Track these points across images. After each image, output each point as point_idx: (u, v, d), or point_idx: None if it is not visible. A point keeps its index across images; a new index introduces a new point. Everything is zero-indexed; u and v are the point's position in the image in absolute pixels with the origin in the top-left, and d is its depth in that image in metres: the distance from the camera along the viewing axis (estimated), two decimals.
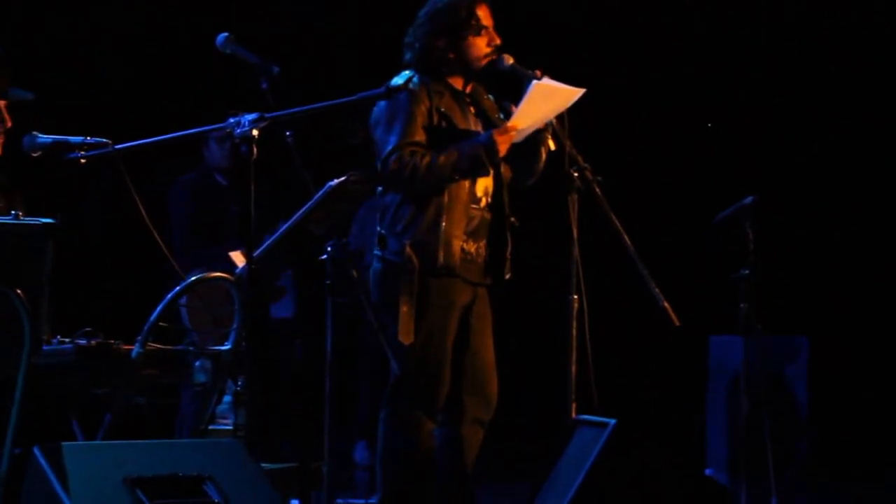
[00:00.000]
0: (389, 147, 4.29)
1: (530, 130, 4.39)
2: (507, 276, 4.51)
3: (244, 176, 3.76)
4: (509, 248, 4.49)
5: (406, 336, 4.27)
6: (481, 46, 4.42)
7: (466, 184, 4.38)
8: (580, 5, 7.34)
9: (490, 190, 4.46)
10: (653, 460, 4.11)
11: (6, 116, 4.07)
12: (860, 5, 7.16)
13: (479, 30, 4.40)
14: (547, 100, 4.35)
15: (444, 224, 4.33)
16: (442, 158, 4.28)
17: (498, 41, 4.44)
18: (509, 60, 4.42)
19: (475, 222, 4.42)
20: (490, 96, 4.57)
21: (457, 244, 4.36)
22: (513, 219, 4.51)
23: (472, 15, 4.39)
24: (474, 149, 4.32)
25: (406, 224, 4.35)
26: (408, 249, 4.32)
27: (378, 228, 4.43)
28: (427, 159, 4.28)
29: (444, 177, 4.30)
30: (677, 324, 4.65)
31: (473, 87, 4.51)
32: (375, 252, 4.42)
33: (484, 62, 4.42)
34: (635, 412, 6.10)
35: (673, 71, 7.32)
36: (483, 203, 4.44)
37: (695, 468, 5.09)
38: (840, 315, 7.21)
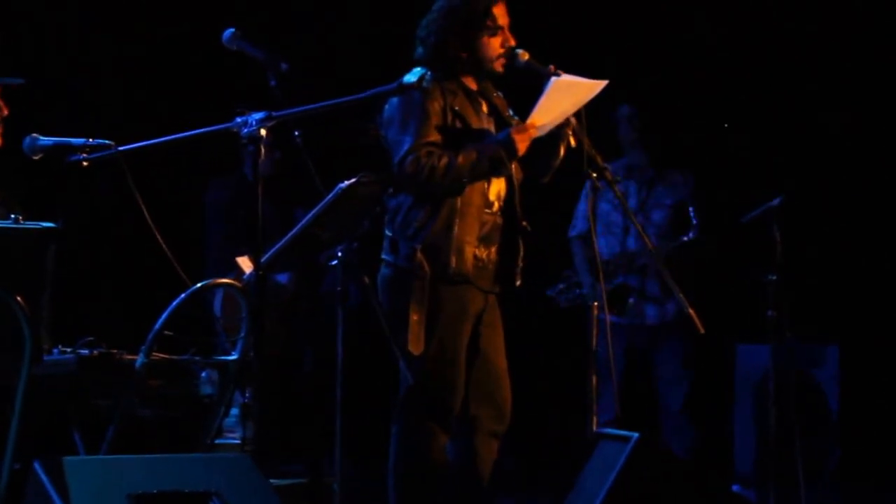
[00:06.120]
0: (405, 147, 4.28)
1: (551, 126, 4.39)
2: (518, 284, 4.50)
3: (256, 177, 3.78)
4: (521, 255, 4.49)
5: (416, 345, 4.27)
6: (495, 47, 4.42)
7: (481, 187, 4.38)
8: (602, 1, 7.34)
9: (503, 194, 4.46)
10: (677, 475, 4.10)
11: (1, 104, 4.08)
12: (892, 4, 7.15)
13: (494, 30, 4.41)
14: (567, 95, 4.34)
15: (456, 229, 4.33)
16: (460, 159, 4.28)
17: (512, 42, 4.44)
18: (524, 57, 4.43)
19: (487, 227, 4.42)
20: (500, 94, 4.56)
21: (469, 250, 4.36)
22: (525, 223, 4.50)
23: (489, 14, 4.40)
24: (493, 148, 4.32)
25: (417, 228, 4.35)
26: (419, 255, 4.32)
27: (387, 232, 4.43)
28: (445, 160, 4.27)
29: (462, 178, 4.30)
30: (702, 331, 4.65)
31: (483, 86, 4.51)
32: (384, 257, 4.42)
33: (497, 63, 4.42)
34: (659, 425, 6.11)
35: (697, 68, 7.31)
36: (496, 207, 4.45)
37: (721, 484, 5.09)
38: (871, 321, 7.19)
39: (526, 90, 4.39)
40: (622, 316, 6.07)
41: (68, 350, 3.78)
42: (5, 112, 4.11)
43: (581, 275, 6.09)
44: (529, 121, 4.35)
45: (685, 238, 6.05)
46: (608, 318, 6.07)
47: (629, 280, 6.06)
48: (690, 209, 6.04)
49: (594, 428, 4.40)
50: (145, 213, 3.80)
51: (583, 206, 6.14)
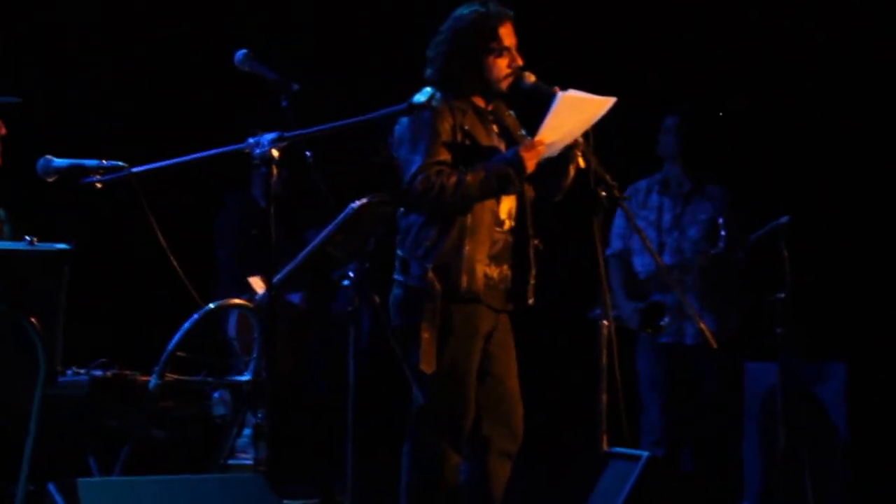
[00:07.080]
0: (415, 167, 4.31)
1: (561, 145, 4.40)
2: (531, 302, 4.51)
3: (269, 198, 3.80)
4: (533, 273, 4.50)
5: (428, 364, 4.28)
6: (502, 68, 4.44)
7: (491, 205, 4.40)
8: (610, 18, 7.35)
9: (514, 212, 4.47)
10: (687, 494, 4.11)
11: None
12: None
13: (500, 51, 4.42)
14: (575, 111, 4.35)
15: (467, 247, 4.34)
16: (469, 177, 4.30)
17: (519, 62, 4.45)
18: (530, 79, 4.44)
19: (498, 245, 4.44)
20: (511, 112, 4.59)
21: (480, 268, 4.37)
22: (536, 241, 4.52)
23: (494, 36, 4.42)
24: (502, 166, 4.33)
25: (428, 247, 4.36)
26: (430, 274, 4.33)
27: (398, 252, 4.45)
28: (454, 178, 4.29)
29: (472, 196, 4.32)
30: (714, 346, 4.66)
31: (495, 105, 4.54)
32: (396, 277, 4.43)
33: (504, 84, 4.45)
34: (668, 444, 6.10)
35: (702, 84, 7.32)
36: (507, 226, 4.46)
37: (730, 502, 5.10)
38: (880, 339, 7.18)
39: (537, 112, 4.40)
40: (657, 335, 5.98)
41: (82, 371, 3.79)
42: (3, 131, 4.12)
43: (616, 294, 5.95)
44: (538, 137, 4.36)
45: (713, 252, 5.97)
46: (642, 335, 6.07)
47: (667, 298, 5.90)
48: (720, 220, 5.96)
49: (604, 447, 4.40)
50: (158, 233, 3.81)
51: (618, 224, 6.07)
